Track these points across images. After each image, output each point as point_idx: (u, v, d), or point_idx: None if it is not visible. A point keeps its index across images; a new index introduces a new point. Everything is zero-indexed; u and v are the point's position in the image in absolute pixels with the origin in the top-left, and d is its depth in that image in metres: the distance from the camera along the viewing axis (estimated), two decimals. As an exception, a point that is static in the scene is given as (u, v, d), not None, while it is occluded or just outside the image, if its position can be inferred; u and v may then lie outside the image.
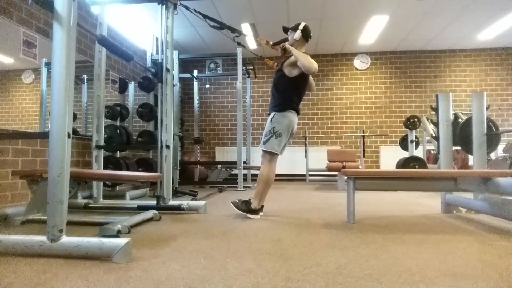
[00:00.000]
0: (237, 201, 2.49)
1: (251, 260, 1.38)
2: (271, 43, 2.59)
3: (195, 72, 5.76)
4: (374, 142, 6.45)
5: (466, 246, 1.61)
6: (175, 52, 4.34)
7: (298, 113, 2.51)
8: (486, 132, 2.56)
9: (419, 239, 1.75)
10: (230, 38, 2.87)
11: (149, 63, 4.73)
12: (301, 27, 2.46)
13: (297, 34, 2.45)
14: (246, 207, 2.43)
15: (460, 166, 4.49)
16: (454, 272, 1.23)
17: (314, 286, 1.10)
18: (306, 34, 2.49)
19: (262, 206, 2.48)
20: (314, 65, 2.30)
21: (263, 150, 2.46)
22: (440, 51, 6.37)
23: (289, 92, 2.46)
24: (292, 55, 2.43)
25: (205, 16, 2.74)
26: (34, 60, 2.70)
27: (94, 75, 2.85)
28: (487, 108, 2.75)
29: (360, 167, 5.45)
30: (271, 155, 2.45)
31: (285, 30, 2.57)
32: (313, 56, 2.44)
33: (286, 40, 2.55)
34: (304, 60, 2.30)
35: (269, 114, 2.50)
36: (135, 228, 2.02)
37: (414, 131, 4.87)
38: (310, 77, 2.56)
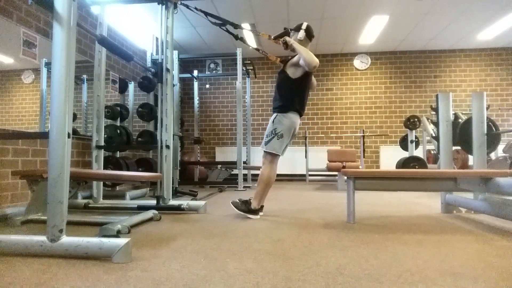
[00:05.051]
0: (237, 201, 2.48)
1: (251, 260, 1.38)
2: (272, 37, 2.58)
3: (195, 72, 5.76)
4: (374, 142, 6.45)
5: (466, 246, 1.61)
6: (175, 52, 4.34)
7: (300, 115, 2.49)
8: (486, 132, 2.56)
9: (419, 239, 1.75)
10: (233, 35, 2.81)
11: (149, 63, 4.73)
12: (304, 26, 2.45)
13: (301, 34, 2.43)
14: (246, 208, 2.43)
15: (460, 166, 4.49)
16: (454, 272, 1.23)
17: (314, 286, 1.10)
18: (309, 34, 2.47)
19: (262, 206, 2.48)
20: (315, 60, 2.27)
21: (264, 151, 2.46)
22: (440, 51, 6.37)
23: (292, 93, 2.44)
24: (294, 56, 2.42)
25: (206, 13, 2.72)
26: (34, 60, 2.70)
27: (94, 75, 2.85)
28: (487, 108, 2.75)
29: (360, 167, 5.45)
30: (272, 156, 2.44)
31: (287, 32, 2.55)
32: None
33: (287, 33, 2.52)
34: (306, 54, 2.28)
35: (272, 115, 2.50)
36: (135, 228, 2.02)
37: (414, 131, 4.87)
38: (312, 77, 2.55)
